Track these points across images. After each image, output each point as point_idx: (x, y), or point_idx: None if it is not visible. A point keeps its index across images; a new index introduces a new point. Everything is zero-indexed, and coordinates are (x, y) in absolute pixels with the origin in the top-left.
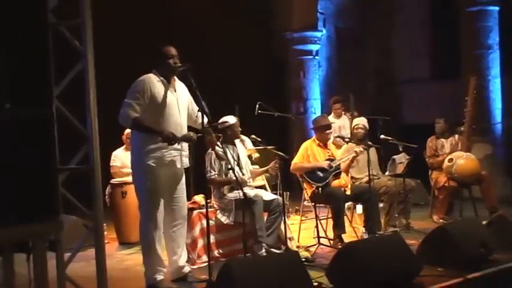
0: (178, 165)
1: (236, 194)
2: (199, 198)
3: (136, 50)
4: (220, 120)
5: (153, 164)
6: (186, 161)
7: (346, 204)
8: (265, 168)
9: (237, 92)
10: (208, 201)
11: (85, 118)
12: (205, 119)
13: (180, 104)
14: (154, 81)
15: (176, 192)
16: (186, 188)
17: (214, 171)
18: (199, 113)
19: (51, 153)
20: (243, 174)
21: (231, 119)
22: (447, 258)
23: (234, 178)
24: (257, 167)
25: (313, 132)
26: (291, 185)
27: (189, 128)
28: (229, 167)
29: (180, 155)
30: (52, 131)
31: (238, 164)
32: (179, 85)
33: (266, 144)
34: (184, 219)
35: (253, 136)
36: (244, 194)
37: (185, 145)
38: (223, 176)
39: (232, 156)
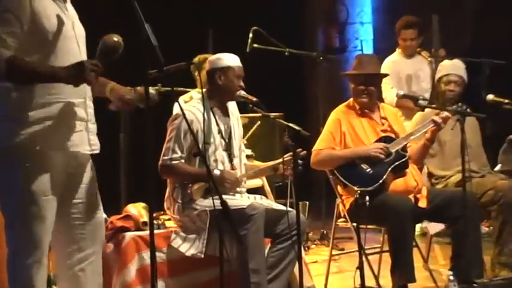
0: (83, 149)
1: (216, 202)
2: (137, 210)
3: None
4: (212, 58)
5: (38, 146)
6: (95, 142)
7: (419, 226)
8: (272, 163)
9: (212, 10)
10: (155, 215)
11: None
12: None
13: (78, 33)
14: None
15: (79, 196)
16: (116, 193)
17: (182, 151)
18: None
19: None
20: (233, 168)
21: (230, 59)
22: None
23: (206, 170)
24: (248, 152)
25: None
26: (313, 188)
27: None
28: (196, 150)
29: (87, 130)
30: None
31: (228, 148)
32: (69, 4)
33: (266, 110)
34: (100, 246)
35: (243, 93)
36: (222, 202)
37: (92, 113)
38: (197, 165)
39: (221, 133)
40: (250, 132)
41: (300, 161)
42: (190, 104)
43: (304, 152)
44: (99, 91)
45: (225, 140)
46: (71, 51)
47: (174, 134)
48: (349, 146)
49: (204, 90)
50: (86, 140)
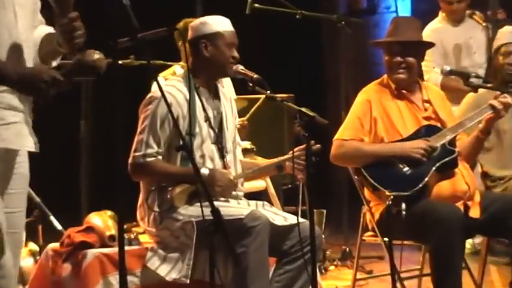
0: (22, 146)
1: (205, 210)
2: (103, 220)
3: None
4: (195, 23)
5: None
6: (33, 140)
7: (469, 243)
8: (276, 160)
9: None
10: (126, 226)
11: None
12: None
13: (18, 1)
14: None
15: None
16: (75, 198)
17: (158, 145)
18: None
19: None
20: (226, 166)
21: (218, 22)
22: None
23: (192, 168)
24: (247, 144)
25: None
26: (332, 192)
27: None
28: (178, 143)
29: (26, 122)
30: None
31: (219, 140)
32: None
33: (269, 90)
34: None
35: (241, 67)
36: (213, 210)
37: (30, 101)
38: (178, 162)
39: (208, 121)
40: (245, 121)
41: (314, 158)
42: (169, 83)
43: (319, 146)
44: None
45: (214, 130)
46: (4, 23)
47: (148, 122)
48: (381, 136)
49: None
50: (25, 134)
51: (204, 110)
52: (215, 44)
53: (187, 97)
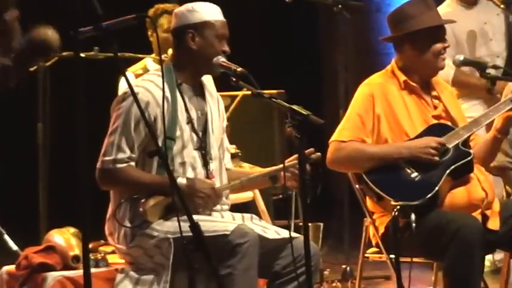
0: None
1: (183, 225)
2: (65, 238)
3: None
4: (181, 9)
5: None
6: None
7: (489, 259)
8: (269, 170)
9: None
10: (92, 245)
11: None
12: None
13: None
14: None
15: None
16: (33, 213)
17: (131, 150)
18: None
19: None
20: (209, 176)
21: (207, 10)
22: None
23: (168, 177)
24: (231, 148)
25: (394, 48)
26: (330, 203)
27: None
28: (152, 148)
29: None
30: None
31: (203, 145)
32: None
33: (256, 85)
34: None
35: (222, 59)
36: (193, 225)
37: None
38: (155, 170)
39: (191, 123)
40: (228, 112)
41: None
42: (146, 78)
43: (318, 154)
44: None
45: (197, 133)
46: None
47: (121, 122)
48: (385, 137)
49: (164, 56)
50: None
51: (187, 110)
52: (203, 35)
53: (168, 94)
